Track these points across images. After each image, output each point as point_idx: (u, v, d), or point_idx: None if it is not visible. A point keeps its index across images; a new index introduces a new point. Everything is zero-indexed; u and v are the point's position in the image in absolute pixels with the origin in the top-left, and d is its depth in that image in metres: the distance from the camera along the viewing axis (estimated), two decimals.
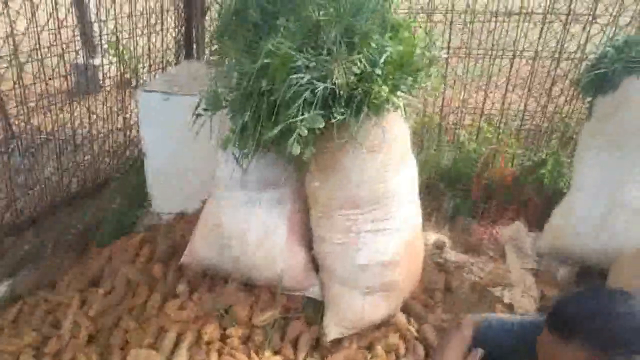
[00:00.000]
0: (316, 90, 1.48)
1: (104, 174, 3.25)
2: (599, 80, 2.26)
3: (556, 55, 2.89)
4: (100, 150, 3.26)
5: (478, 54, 3.06)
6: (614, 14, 2.75)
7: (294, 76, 1.47)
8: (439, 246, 2.55)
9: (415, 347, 1.95)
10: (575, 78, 2.51)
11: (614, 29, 2.76)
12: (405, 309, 2.10)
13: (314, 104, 1.52)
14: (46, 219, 2.85)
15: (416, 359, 1.90)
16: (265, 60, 1.55)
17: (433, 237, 2.62)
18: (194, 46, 3.37)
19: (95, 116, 3.16)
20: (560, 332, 1.03)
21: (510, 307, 2.18)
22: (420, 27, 1.83)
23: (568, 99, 3.04)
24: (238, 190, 1.98)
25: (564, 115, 3.08)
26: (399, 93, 1.66)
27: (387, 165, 1.83)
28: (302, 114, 1.51)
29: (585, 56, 2.82)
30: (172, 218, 2.65)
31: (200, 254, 2.11)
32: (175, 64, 3.41)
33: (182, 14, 3.34)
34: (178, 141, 2.46)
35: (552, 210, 2.50)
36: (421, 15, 2.88)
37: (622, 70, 2.18)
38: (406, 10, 2.82)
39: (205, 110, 1.78)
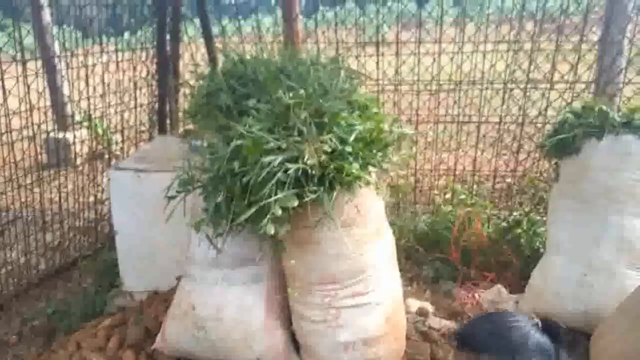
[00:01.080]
0: (289, 171, 1.49)
1: (74, 252, 3.14)
2: (562, 145, 2.35)
3: (520, 121, 3.02)
4: (71, 227, 3.17)
5: (446, 121, 3.18)
6: (570, 80, 2.92)
7: (266, 158, 1.49)
8: (422, 313, 2.50)
9: None
10: (539, 142, 2.61)
11: (571, 94, 2.92)
12: None
13: (287, 183, 1.52)
14: (12, 303, 2.70)
15: None
16: (238, 142, 1.57)
17: (416, 304, 2.58)
18: (168, 121, 3.41)
19: (66, 192, 3.10)
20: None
21: None
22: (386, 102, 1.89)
23: (535, 160, 3.14)
24: (212, 269, 1.93)
25: (533, 177, 3.17)
26: (370, 169, 1.68)
27: (364, 238, 1.83)
28: (276, 194, 1.51)
29: (547, 120, 2.95)
30: (145, 297, 2.54)
31: (173, 338, 2.01)
32: (149, 139, 3.43)
33: (155, 91, 3.40)
34: (150, 218, 2.42)
35: (531, 271, 2.50)
36: (388, 87, 3.00)
37: (583, 135, 2.28)
38: (374, 83, 2.94)
39: (178, 192, 1.76)
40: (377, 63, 3.04)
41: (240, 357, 1.92)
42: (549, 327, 2.00)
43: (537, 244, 2.83)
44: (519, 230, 2.93)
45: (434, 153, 3.32)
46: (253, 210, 1.50)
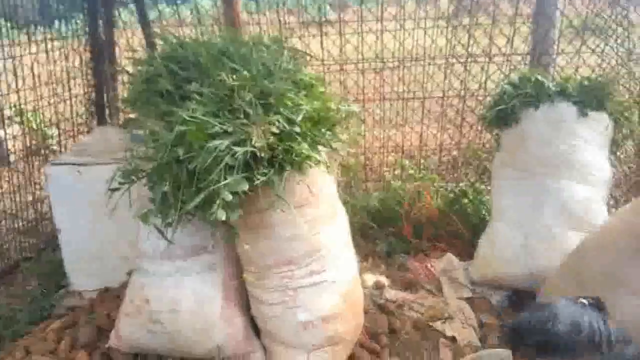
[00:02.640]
0: (236, 155, 1.46)
1: (15, 254, 2.97)
2: (502, 115, 2.45)
3: (462, 94, 3.11)
4: (9, 229, 2.99)
5: (392, 98, 3.22)
6: (507, 53, 3.03)
7: (212, 143, 1.45)
8: (378, 287, 2.56)
9: None
10: (481, 114, 2.70)
11: (508, 66, 3.03)
12: (353, 358, 2.06)
13: (236, 167, 1.49)
14: None
15: None
16: (181, 128, 1.52)
17: (372, 278, 2.64)
18: (107, 111, 3.25)
19: (0, 192, 2.91)
20: None
21: (453, 340, 2.21)
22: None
23: (478, 132, 3.25)
24: (165, 261, 1.88)
25: (476, 148, 3.28)
26: (319, 148, 1.68)
27: (317, 218, 1.83)
28: (224, 179, 1.48)
29: (487, 93, 3.05)
30: (96, 295, 2.45)
31: (128, 334, 1.95)
32: (87, 131, 3.26)
33: (91, 80, 3.23)
34: (94, 214, 2.32)
35: (479, 238, 2.61)
36: (334, 67, 3.00)
37: (520, 105, 2.39)
38: (319, 63, 2.93)
39: (121, 183, 1.69)
40: (321, 43, 3.03)
41: (199, 347, 1.89)
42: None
43: (483, 212, 2.96)
44: (466, 201, 3.04)
45: (382, 131, 3.37)
46: (202, 196, 1.47)
